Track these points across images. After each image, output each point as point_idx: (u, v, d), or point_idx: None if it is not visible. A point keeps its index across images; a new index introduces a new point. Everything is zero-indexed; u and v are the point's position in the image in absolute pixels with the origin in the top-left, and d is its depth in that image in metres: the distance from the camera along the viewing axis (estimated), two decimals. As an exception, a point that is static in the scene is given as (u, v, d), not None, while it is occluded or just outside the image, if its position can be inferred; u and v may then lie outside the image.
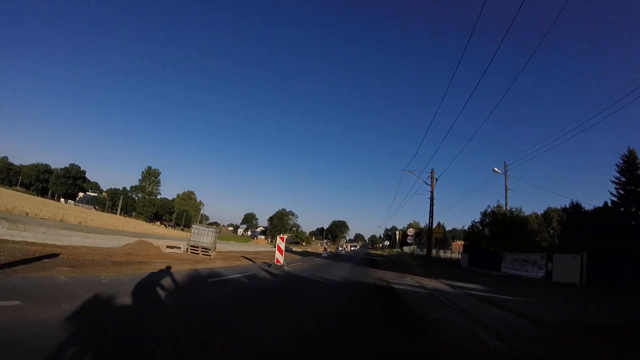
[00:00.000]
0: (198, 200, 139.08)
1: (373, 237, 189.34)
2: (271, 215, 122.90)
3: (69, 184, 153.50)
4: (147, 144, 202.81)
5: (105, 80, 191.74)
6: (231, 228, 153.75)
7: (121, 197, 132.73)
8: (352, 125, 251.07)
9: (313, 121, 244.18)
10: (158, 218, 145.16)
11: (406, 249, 65.10)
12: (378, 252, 71.75)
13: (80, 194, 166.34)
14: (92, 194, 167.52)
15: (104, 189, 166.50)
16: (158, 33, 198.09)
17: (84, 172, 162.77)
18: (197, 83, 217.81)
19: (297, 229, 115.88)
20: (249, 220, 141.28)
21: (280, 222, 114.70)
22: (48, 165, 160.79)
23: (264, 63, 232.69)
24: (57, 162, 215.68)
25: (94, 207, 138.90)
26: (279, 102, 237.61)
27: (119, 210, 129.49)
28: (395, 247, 76.53)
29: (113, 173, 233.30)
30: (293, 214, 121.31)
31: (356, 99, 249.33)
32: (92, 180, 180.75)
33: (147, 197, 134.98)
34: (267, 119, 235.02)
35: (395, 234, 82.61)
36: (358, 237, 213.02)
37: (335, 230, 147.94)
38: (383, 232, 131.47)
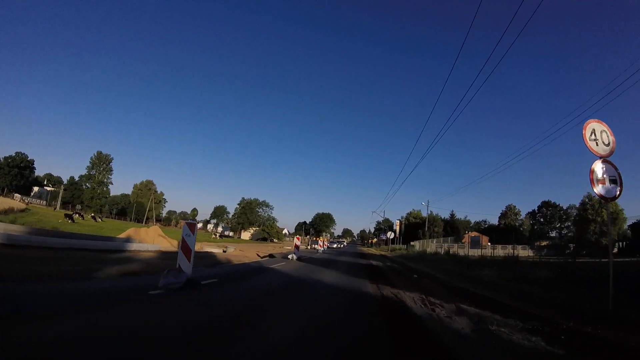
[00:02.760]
0: (159, 192, 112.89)
1: (363, 232, 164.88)
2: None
3: (13, 174, 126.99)
4: (114, 138, 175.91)
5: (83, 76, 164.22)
6: (200, 225, 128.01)
7: (61, 188, 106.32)
8: (339, 115, 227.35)
9: (296, 112, 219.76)
10: (122, 214, 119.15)
11: (416, 244, 40.79)
12: (375, 251, 47.04)
13: (36, 188, 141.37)
14: (49, 188, 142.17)
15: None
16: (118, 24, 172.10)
17: (31, 162, 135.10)
18: (178, 76, 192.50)
19: (273, 222, 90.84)
20: (220, 214, 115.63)
21: (243, 214, 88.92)
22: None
23: (232, 49, 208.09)
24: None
25: (48, 203, 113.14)
26: (255, 89, 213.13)
27: (58, 204, 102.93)
28: (396, 243, 52.25)
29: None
30: (267, 205, 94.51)
31: (342, 86, 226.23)
32: (55, 175, 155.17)
33: (96, 188, 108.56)
34: (244, 108, 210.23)
35: (394, 224, 57.65)
36: (346, 233, 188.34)
37: (320, 225, 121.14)
38: (375, 224, 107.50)
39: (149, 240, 22.22)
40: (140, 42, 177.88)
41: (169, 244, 22.71)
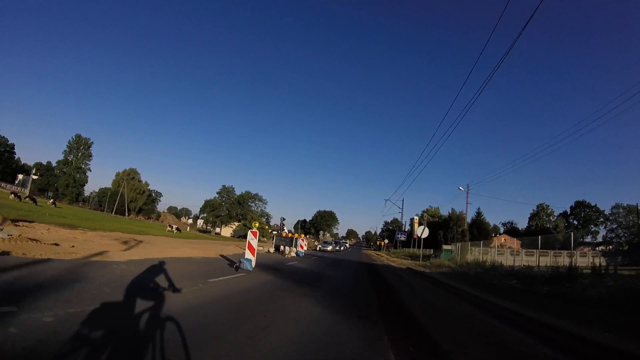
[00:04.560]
0: (143, 181, 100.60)
1: (368, 233, 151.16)
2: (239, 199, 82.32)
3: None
4: (115, 133, 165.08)
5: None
6: (190, 220, 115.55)
7: (31, 173, 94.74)
8: (344, 116, 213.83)
9: (298, 111, 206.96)
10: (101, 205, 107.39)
11: (453, 249, 27.16)
12: (389, 259, 33.45)
13: (20, 176, 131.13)
14: (35, 177, 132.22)
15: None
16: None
17: (12, 146, 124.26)
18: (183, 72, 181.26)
19: (267, 218, 77.33)
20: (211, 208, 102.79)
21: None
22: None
23: (236, 46, 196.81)
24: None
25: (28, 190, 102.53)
26: (259, 88, 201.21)
27: (28, 190, 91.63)
28: (412, 246, 38.59)
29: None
30: (261, 199, 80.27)
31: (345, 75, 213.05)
32: (45, 164, 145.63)
33: (72, 174, 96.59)
34: (248, 104, 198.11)
35: (406, 223, 43.42)
36: (350, 234, 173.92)
37: (321, 224, 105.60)
38: (383, 225, 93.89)
39: None
40: (138, 38, 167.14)
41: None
